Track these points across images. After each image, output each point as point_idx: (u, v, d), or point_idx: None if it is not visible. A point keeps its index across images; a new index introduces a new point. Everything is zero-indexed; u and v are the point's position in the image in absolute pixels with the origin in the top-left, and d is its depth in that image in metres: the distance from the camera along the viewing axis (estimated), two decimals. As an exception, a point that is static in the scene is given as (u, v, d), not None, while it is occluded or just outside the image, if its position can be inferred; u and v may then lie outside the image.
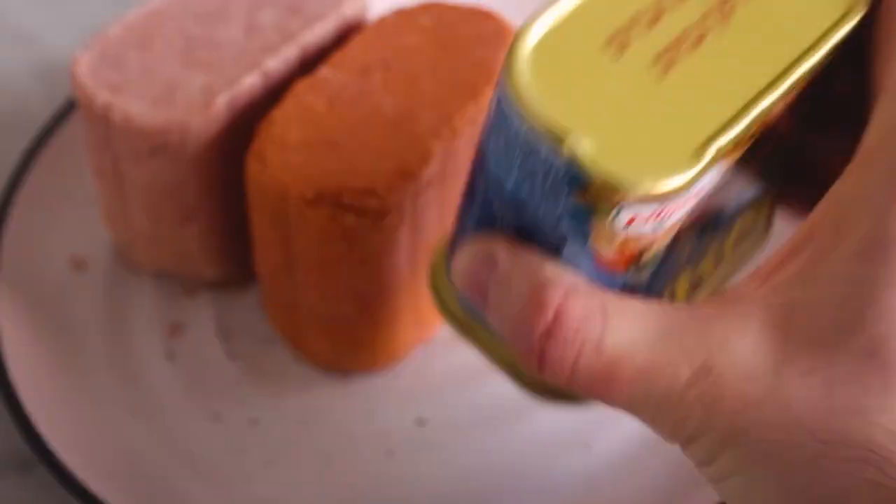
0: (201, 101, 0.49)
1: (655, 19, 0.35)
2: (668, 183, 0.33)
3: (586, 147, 0.32)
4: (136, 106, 0.49)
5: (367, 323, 0.51)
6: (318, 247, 0.48)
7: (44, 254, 0.56)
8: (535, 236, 0.35)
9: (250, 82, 0.50)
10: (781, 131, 0.38)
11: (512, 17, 0.52)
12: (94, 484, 0.48)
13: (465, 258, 0.37)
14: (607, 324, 0.34)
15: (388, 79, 0.50)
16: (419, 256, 0.50)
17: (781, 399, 0.33)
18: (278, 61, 0.51)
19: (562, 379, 0.35)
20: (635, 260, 0.35)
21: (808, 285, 0.34)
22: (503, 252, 0.36)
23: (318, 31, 0.52)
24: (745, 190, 0.39)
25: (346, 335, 0.51)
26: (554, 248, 0.35)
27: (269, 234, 0.50)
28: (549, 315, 0.34)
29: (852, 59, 0.36)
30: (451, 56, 0.51)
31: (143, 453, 0.51)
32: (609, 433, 0.51)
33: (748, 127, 0.34)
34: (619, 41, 0.34)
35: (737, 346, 0.34)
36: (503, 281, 0.36)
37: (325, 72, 0.50)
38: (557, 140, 0.32)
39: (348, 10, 0.53)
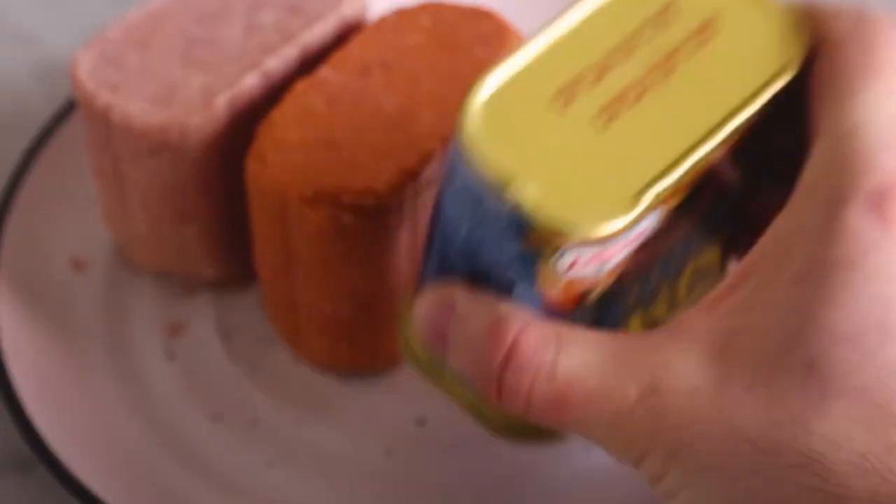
0: (201, 101, 0.49)
1: (600, 75, 0.37)
2: (607, 227, 0.35)
3: (530, 193, 0.35)
4: (136, 106, 0.49)
5: (367, 323, 0.51)
6: (318, 247, 0.48)
7: (44, 254, 0.56)
8: (488, 280, 0.37)
9: (250, 82, 0.50)
10: (724, 181, 0.40)
11: (512, 17, 0.52)
12: (94, 484, 0.48)
13: (424, 305, 0.40)
14: (560, 351, 0.36)
15: (388, 79, 0.50)
16: (419, 256, 0.50)
17: (723, 412, 0.35)
18: (278, 61, 0.51)
19: (518, 406, 0.37)
20: (580, 301, 0.38)
21: (749, 311, 0.35)
22: (460, 296, 0.38)
23: (318, 31, 0.52)
24: (694, 235, 0.41)
25: (346, 335, 0.51)
26: (506, 291, 0.37)
27: (268, 234, 0.50)
28: (507, 345, 0.36)
29: (790, 114, 0.39)
30: (451, 56, 0.51)
31: (143, 453, 0.51)
32: (609, 433, 0.51)
33: (685, 174, 0.36)
34: (565, 95, 0.37)
35: (681, 367, 0.35)
36: (462, 321, 0.38)
37: (325, 72, 0.50)
38: (503, 186, 0.35)
39: (348, 10, 0.53)
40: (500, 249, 0.36)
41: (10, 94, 0.64)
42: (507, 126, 0.36)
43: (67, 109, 0.58)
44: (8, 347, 0.51)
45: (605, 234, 0.35)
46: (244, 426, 0.52)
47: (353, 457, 0.51)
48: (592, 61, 0.37)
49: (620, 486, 0.50)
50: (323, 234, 0.47)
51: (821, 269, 0.34)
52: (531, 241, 0.35)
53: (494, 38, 0.51)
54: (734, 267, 0.38)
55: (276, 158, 0.48)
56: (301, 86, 0.50)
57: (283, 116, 0.49)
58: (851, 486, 0.34)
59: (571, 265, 0.36)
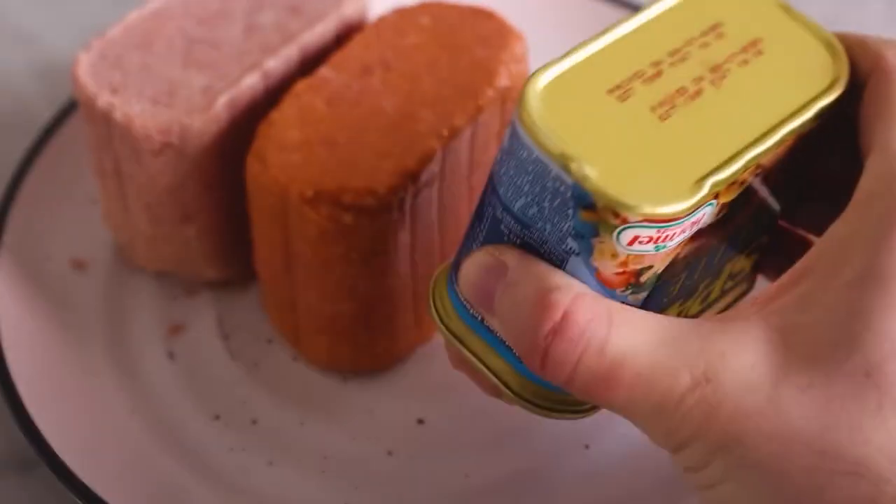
0: (201, 101, 0.50)
1: (655, 76, 0.39)
2: (671, 207, 0.36)
3: (594, 170, 0.36)
4: (136, 106, 0.49)
5: (367, 323, 0.51)
6: (318, 246, 0.48)
7: (44, 253, 0.56)
8: (539, 254, 0.38)
9: (250, 82, 0.50)
10: (770, 190, 0.41)
11: (512, 17, 0.53)
12: (94, 483, 0.48)
13: (474, 265, 0.39)
14: (612, 328, 0.36)
15: (388, 79, 0.50)
16: (419, 256, 0.50)
17: (779, 411, 0.35)
18: (278, 61, 0.51)
19: (562, 377, 0.37)
20: (634, 279, 0.38)
21: (806, 310, 0.36)
22: (513, 259, 0.38)
23: (318, 31, 0.52)
24: (737, 239, 0.43)
25: (346, 335, 0.51)
26: (558, 264, 0.38)
27: (269, 234, 0.50)
28: (558, 316, 0.36)
29: (836, 137, 0.41)
30: (451, 56, 0.51)
31: (143, 453, 0.51)
32: (609, 433, 0.51)
33: (741, 170, 0.37)
34: (622, 90, 0.38)
35: (736, 359, 0.35)
36: (512, 285, 0.38)
37: (325, 72, 0.50)
38: (567, 163, 0.36)
39: (348, 10, 0.53)
40: (557, 223, 0.37)
41: (10, 95, 0.64)
42: (568, 108, 0.37)
43: (68, 109, 0.58)
44: (9, 347, 0.51)
45: (668, 213, 0.36)
46: (244, 426, 0.52)
47: (353, 457, 0.51)
48: (646, 64, 0.39)
49: (621, 486, 0.50)
50: (323, 233, 0.47)
51: (879, 278, 0.35)
52: (592, 216, 0.36)
53: (494, 38, 0.51)
54: (789, 268, 0.38)
55: (276, 158, 0.48)
56: (301, 86, 0.50)
57: (283, 116, 0.49)
58: None
59: (631, 242, 0.36)
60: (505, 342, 0.40)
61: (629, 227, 0.36)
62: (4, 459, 0.52)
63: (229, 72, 0.50)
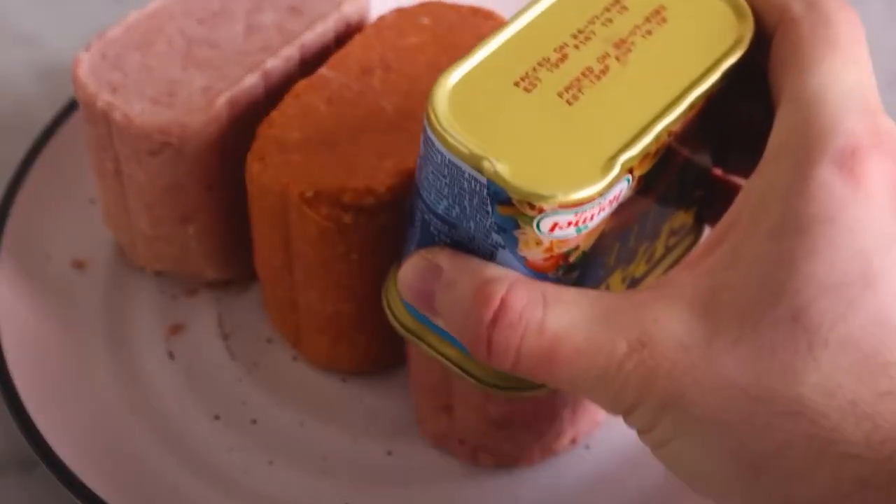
0: (201, 101, 0.50)
1: (560, 61, 0.39)
2: (582, 192, 0.37)
3: (505, 164, 0.36)
4: (136, 106, 0.49)
5: (367, 323, 0.51)
6: (318, 246, 0.48)
7: (44, 253, 0.56)
8: (470, 250, 0.39)
9: (250, 82, 0.50)
10: (693, 149, 0.42)
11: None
12: (94, 483, 0.48)
13: (410, 269, 0.41)
14: (548, 308, 0.37)
15: (388, 79, 0.50)
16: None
17: (713, 364, 0.36)
18: (278, 61, 0.51)
19: (507, 363, 0.38)
20: (563, 261, 0.39)
21: (731, 266, 0.37)
22: (446, 260, 0.39)
23: (318, 31, 0.52)
24: (668, 198, 0.44)
25: (346, 335, 0.51)
26: (488, 257, 0.39)
27: (269, 234, 0.50)
28: (496, 304, 0.37)
29: (750, 90, 0.42)
30: (451, 56, 0.50)
31: (144, 453, 0.51)
32: (609, 434, 0.51)
33: (651, 143, 0.38)
34: (527, 80, 0.39)
35: (669, 322, 0.37)
36: (449, 284, 0.39)
37: (325, 72, 0.50)
38: (478, 162, 0.37)
39: (348, 10, 0.53)
40: (480, 220, 0.38)
41: (10, 95, 0.64)
42: (476, 107, 0.38)
43: (68, 110, 0.58)
44: (9, 347, 0.51)
45: (580, 198, 0.37)
46: (244, 426, 0.52)
47: (353, 457, 0.51)
48: (550, 51, 0.39)
49: (621, 486, 0.50)
50: (323, 233, 0.47)
51: (798, 224, 0.36)
52: (510, 210, 0.37)
53: (494, 38, 0.51)
54: (711, 229, 0.39)
55: (276, 158, 0.48)
56: (301, 86, 0.50)
57: (283, 116, 0.49)
58: (845, 432, 0.35)
59: (551, 229, 0.37)
60: None
61: (547, 216, 0.37)
62: (4, 459, 0.52)
63: (229, 72, 0.50)
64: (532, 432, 0.49)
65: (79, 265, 0.56)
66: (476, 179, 0.37)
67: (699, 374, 0.36)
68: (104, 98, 0.50)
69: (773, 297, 0.36)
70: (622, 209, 0.39)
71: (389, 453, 0.51)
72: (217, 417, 0.52)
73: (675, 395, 0.36)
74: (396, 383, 0.53)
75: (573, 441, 0.50)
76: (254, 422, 0.52)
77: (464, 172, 0.37)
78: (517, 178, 0.36)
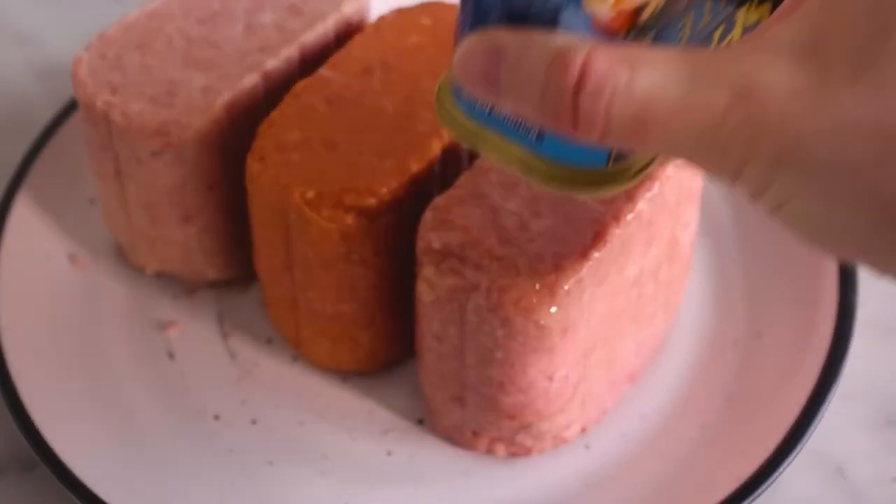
0: (201, 101, 0.50)
1: None
2: None
3: None
4: (136, 106, 0.49)
5: (367, 323, 0.51)
6: (319, 247, 0.48)
7: (44, 253, 0.56)
8: (527, 20, 0.36)
9: (250, 82, 0.50)
10: None
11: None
12: (94, 484, 0.48)
13: (466, 52, 0.37)
14: (634, 69, 0.34)
15: (388, 79, 0.50)
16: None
17: (832, 105, 0.33)
18: (278, 61, 0.51)
19: (597, 132, 0.35)
20: (634, 18, 0.36)
21: (830, 9, 0.34)
22: (507, 39, 0.36)
23: (318, 31, 0.52)
24: None
25: (347, 335, 0.51)
26: (550, 24, 0.36)
27: (269, 234, 0.50)
28: (576, 72, 0.34)
29: None
30: (451, 56, 0.50)
31: (143, 453, 0.51)
32: (609, 433, 0.51)
33: None
34: None
35: (774, 68, 0.33)
36: (515, 62, 0.36)
37: (325, 72, 0.50)
38: None
39: (348, 10, 0.53)
40: None
41: (10, 95, 0.64)
42: None
43: (68, 110, 0.59)
44: (8, 346, 0.51)
45: None
46: (244, 426, 0.52)
47: (353, 457, 0.51)
48: None
49: (621, 486, 0.50)
50: (323, 234, 0.47)
51: None
52: None
53: (494, 38, 0.51)
54: None
55: (276, 158, 0.48)
56: (301, 86, 0.50)
57: (283, 116, 0.49)
58: None
59: None
60: (519, 128, 0.39)
61: None
62: (4, 459, 0.52)
63: (229, 72, 0.50)
64: (543, 421, 0.48)
65: (78, 264, 0.56)
66: None
67: (817, 117, 0.33)
68: (104, 98, 0.50)
69: (887, 27, 0.33)
70: None
71: (389, 453, 0.51)
72: (217, 417, 0.52)
73: (791, 144, 0.33)
74: (396, 383, 0.53)
75: (583, 430, 0.50)
76: (254, 422, 0.52)
77: None
78: None
